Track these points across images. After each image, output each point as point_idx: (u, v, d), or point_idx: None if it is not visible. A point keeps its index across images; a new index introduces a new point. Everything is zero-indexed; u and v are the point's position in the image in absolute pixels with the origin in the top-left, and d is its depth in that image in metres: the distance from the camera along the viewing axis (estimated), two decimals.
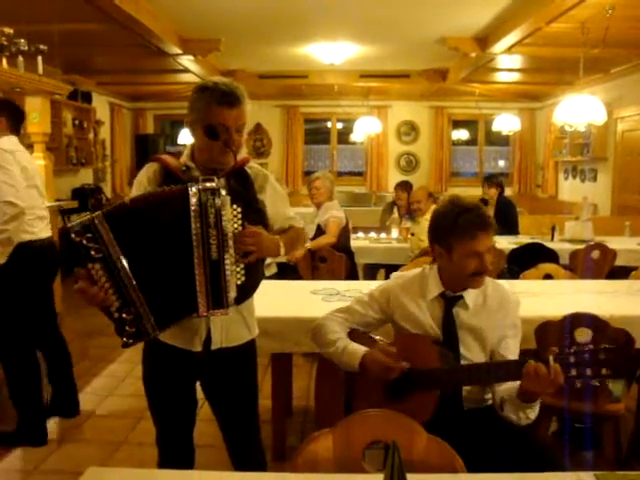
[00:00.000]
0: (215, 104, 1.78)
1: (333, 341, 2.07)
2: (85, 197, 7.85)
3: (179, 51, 6.35)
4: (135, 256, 1.67)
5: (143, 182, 1.90)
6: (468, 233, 1.93)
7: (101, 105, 9.07)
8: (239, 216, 1.75)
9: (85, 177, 8.54)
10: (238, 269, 1.76)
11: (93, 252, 1.63)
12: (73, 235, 1.62)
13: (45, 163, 4.52)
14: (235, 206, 1.74)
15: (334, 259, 4.44)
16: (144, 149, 9.95)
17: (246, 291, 1.87)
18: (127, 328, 1.68)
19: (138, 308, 1.68)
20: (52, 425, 3.37)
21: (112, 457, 3.03)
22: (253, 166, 1.99)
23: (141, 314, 1.69)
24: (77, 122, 7.95)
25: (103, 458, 3.02)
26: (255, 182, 1.96)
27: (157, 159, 1.93)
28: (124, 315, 1.67)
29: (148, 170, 1.92)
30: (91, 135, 8.28)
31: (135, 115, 10.67)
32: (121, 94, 9.85)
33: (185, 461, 2.06)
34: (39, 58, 4.05)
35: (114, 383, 3.98)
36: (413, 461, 1.50)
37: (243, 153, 1.93)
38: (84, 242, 1.62)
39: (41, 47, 4.03)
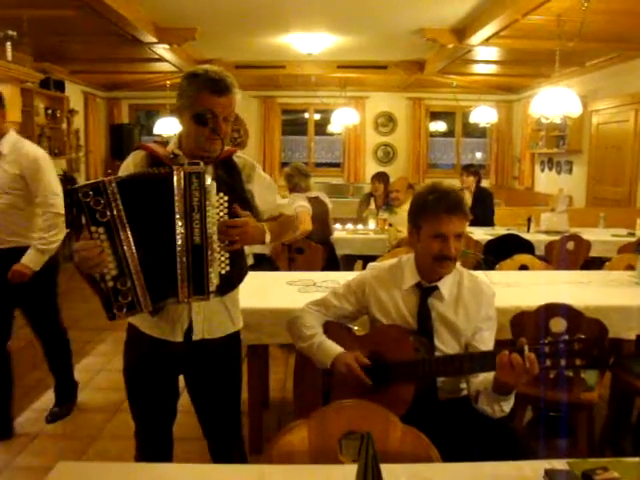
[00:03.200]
0: (205, 91, 1.78)
1: (308, 336, 2.06)
2: None
3: (154, 40, 6.25)
4: (135, 228, 1.65)
5: (129, 168, 1.88)
6: (434, 212, 1.92)
7: (74, 94, 8.89)
8: (225, 205, 1.73)
9: (58, 168, 8.37)
10: (222, 258, 1.74)
11: (99, 215, 1.60)
12: (80, 195, 1.58)
13: None
14: (222, 194, 1.73)
15: (311, 250, 4.42)
16: (119, 139, 9.82)
17: (231, 281, 1.86)
18: (120, 299, 1.64)
19: (134, 280, 1.65)
20: (24, 420, 3.32)
21: (87, 451, 2.99)
22: (240, 156, 1.98)
23: (136, 287, 1.65)
24: (50, 111, 7.77)
25: (78, 453, 2.97)
26: (242, 172, 1.95)
27: (144, 147, 1.91)
28: (119, 285, 1.64)
29: (135, 157, 1.90)
30: (64, 125, 8.10)
31: (109, 105, 10.49)
32: (95, 83, 9.68)
33: (163, 454, 2.04)
34: (8, 44, 3.97)
35: (89, 376, 3.92)
36: (388, 451, 1.50)
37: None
38: (91, 204, 1.59)
39: (10, 33, 3.94)
